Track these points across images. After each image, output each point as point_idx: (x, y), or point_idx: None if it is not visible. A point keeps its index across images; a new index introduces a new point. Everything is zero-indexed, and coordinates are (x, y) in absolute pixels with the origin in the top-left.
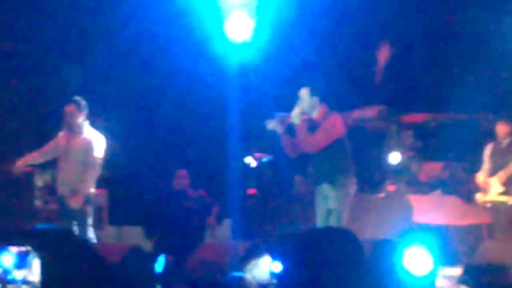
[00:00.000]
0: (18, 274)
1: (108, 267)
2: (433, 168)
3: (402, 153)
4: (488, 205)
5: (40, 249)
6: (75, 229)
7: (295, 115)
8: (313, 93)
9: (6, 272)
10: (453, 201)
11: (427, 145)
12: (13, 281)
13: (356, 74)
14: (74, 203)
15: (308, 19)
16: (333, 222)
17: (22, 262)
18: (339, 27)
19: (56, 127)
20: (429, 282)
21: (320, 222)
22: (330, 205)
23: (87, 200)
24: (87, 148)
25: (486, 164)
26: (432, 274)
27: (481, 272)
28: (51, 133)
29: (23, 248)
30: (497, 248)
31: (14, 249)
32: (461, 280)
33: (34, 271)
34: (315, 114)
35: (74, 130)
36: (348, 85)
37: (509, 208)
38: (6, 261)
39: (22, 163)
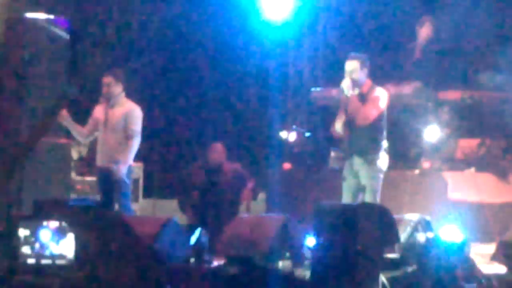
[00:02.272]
0: (55, 249)
1: (142, 240)
2: (469, 146)
3: (438, 130)
4: None
5: (74, 225)
6: (114, 200)
7: (347, 87)
8: (363, 65)
9: (43, 246)
10: (488, 179)
11: (463, 122)
12: (49, 256)
13: (394, 48)
14: (117, 173)
15: None
16: (367, 199)
17: (59, 237)
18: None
19: (94, 98)
20: (461, 252)
21: (346, 196)
22: (362, 181)
23: (128, 171)
24: (126, 118)
25: None
26: (464, 245)
27: None
28: (88, 104)
29: (60, 223)
30: None
31: (52, 224)
32: (494, 257)
33: (70, 246)
34: (361, 87)
35: (112, 101)
36: (385, 59)
37: None
38: (43, 236)
39: (67, 116)
